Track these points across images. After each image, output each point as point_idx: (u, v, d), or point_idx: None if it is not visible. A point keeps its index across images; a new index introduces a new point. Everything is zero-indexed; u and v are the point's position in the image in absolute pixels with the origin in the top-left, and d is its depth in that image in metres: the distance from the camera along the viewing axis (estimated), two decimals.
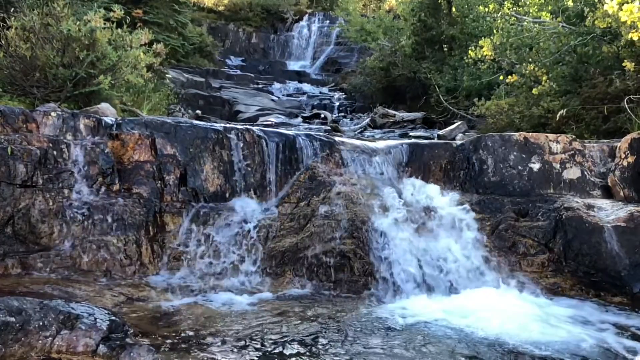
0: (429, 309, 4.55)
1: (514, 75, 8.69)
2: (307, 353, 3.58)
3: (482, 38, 8.93)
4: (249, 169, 5.77)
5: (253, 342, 3.71)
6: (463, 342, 3.87)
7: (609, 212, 5.35)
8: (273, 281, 5.08)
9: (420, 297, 4.90)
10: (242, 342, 3.69)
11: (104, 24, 7.20)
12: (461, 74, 11.96)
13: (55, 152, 5.10)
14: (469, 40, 11.79)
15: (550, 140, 6.01)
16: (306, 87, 19.35)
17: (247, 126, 6.43)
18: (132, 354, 3.11)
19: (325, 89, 19.15)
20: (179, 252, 5.16)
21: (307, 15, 26.27)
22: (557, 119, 7.48)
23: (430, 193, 5.82)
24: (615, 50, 7.25)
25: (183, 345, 3.58)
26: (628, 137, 5.84)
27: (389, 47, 15.77)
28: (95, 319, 3.39)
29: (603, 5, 6.49)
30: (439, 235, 5.46)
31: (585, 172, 5.92)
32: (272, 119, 12.95)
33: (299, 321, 4.16)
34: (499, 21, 9.31)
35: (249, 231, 5.33)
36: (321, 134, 6.78)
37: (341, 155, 6.04)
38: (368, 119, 13.22)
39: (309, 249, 5.18)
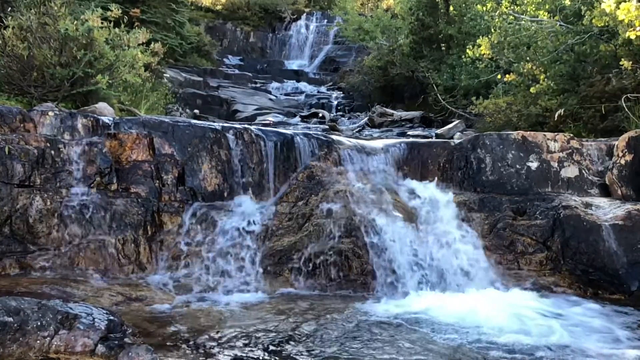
0: (427, 307, 4.56)
1: (511, 74, 8.70)
2: (305, 352, 3.58)
3: (480, 37, 8.93)
4: (247, 168, 5.77)
5: (251, 341, 3.72)
6: (462, 341, 3.87)
7: (607, 211, 5.36)
8: (271, 280, 5.08)
9: (419, 295, 4.91)
10: (240, 341, 3.69)
11: (102, 23, 7.19)
12: (459, 72, 11.96)
13: (52, 152, 5.09)
14: (466, 39, 11.77)
15: (548, 139, 6.01)
16: (304, 86, 19.32)
17: (245, 125, 6.42)
18: (130, 353, 3.11)
19: (323, 88, 19.13)
20: (177, 251, 5.15)
21: (305, 14, 26.26)
22: (555, 118, 7.50)
23: (428, 192, 5.83)
24: (613, 48, 7.25)
25: (181, 345, 3.59)
26: (626, 135, 5.85)
27: (387, 46, 15.77)
28: (94, 318, 3.39)
29: (600, 3, 6.50)
30: (437, 234, 5.46)
31: (583, 171, 5.93)
32: (270, 118, 12.96)
33: (297, 320, 4.16)
34: (497, 20, 9.30)
35: (247, 231, 5.32)
36: (319, 133, 6.78)
37: (339, 154, 6.04)
38: (366, 118, 13.22)
39: (307, 248, 5.18)
